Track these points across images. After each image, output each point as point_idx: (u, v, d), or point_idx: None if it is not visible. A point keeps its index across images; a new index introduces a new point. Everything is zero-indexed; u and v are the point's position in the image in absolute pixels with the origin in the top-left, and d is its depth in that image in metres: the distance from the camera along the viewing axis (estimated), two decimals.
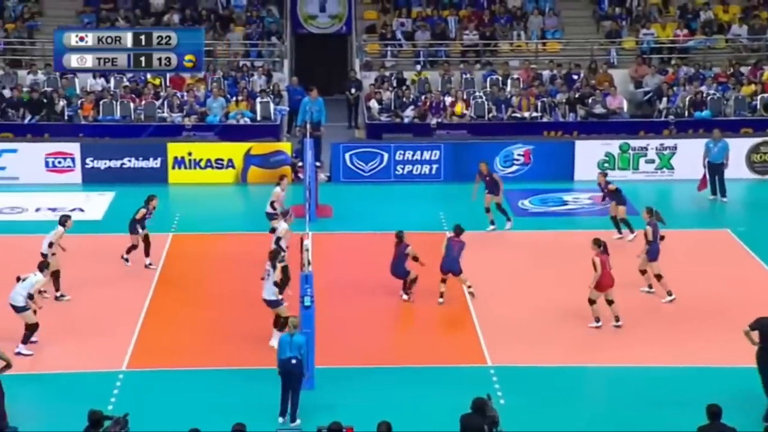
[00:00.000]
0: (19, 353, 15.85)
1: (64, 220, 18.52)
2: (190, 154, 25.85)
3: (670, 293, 18.23)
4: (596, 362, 16.29)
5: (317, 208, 22.76)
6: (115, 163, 25.63)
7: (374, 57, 30.91)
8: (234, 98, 27.77)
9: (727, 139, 24.82)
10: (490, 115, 28.02)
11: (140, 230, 19.67)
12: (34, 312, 16.20)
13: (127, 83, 28.09)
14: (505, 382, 15.42)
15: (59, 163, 25.54)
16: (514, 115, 27.91)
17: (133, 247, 19.79)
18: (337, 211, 23.54)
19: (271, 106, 27.71)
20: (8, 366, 13.73)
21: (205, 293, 18.87)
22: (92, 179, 25.32)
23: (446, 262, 18.18)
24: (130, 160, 25.64)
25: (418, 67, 30.25)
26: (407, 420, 13.40)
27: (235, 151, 25.99)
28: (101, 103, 27.30)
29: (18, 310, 16.09)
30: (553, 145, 26.76)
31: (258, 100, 27.75)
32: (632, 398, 15.02)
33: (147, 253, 19.83)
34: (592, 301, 17.02)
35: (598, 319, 17.08)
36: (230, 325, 17.35)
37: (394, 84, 29.16)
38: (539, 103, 28.03)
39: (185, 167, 25.78)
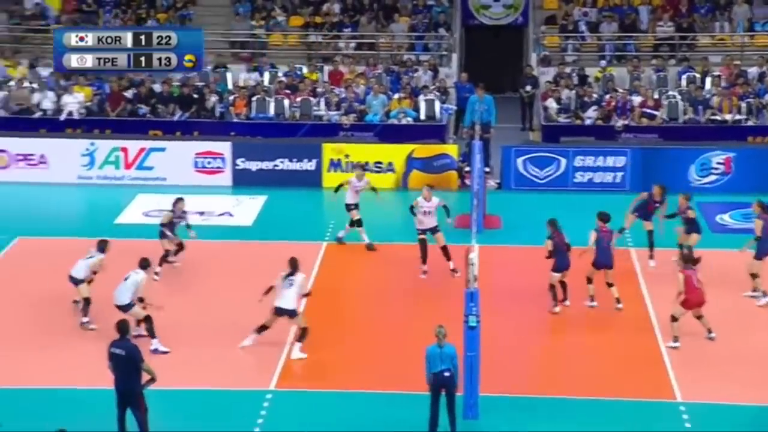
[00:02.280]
0: (155, 351, 16.80)
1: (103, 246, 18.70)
2: (347, 156, 26.29)
3: (765, 293, 18.82)
4: None
5: (485, 218, 22.77)
6: (267, 165, 26.32)
7: (553, 51, 30.72)
8: (396, 95, 28.09)
9: None
10: (686, 117, 27.41)
11: (171, 235, 20.43)
12: (144, 308, 17.29)
13: (283, 78, 28.81)
14: (697, 421, 15.06)
15: (209, 163, 26.44)
16: (713, 117, 27.22)
17: (167, 253, 20.49)
18: (507, 222, 23.47)
19: (437, 104, 27.87)
20: (153, 380, 14.25)
21: (359, 308, 19.15)
22: (243, 181, 26.08)
23: (600, 256, 18.59)
24: (282, 162, 26.28)
25: (603, 62, 29.87)
26: None
27: (395, 153, 26.29)
28: (254, 99, 28.10)
29: (124, 309, 17.03)
30: (759, 153, 26.03)
31: (422, 97, 27.97)
32: None
33: (175, 253, 20.64)
34: (674, 318, 17.25)
35: (676, 339, 17.19)
36: (385, 345, 17.54)
37: (575, 81, 28.88)
38: (743, 105, 27.23)
39: (341, 170, 26.21)
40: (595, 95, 28.06)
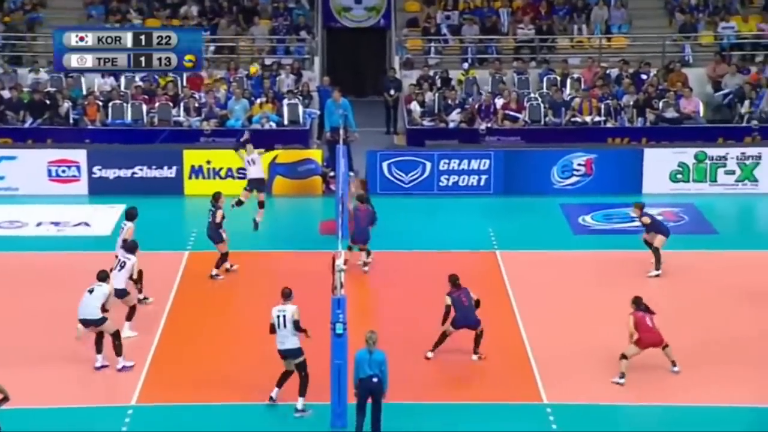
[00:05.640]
0: (123, 368, 16.68)
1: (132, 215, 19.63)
2: (208, 162, 26.06)
3: None
4: (657, 401, 16.17)
5: (350, 224, 22.77)
6: (125, 173, 25.87)
7: (416, 54, 31.01)
8: (258, 100, 27.96)
9: None
10: (547, 119, 27.98)
11: (223, 235, 20.51)
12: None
13: (140, 83, 28.39)
14: (562, 422, 15.41)
15: (63, 172, 25.86)
16: (574, 119, 27.85)
17: (225, 256, 20.57)
18: (374, 228, 23.53)
19: (300, 108, 27.87)
20: (5, 399, 13.87)
21: (222, 319, 18.96)
22: (100, 190, 25.58)
23: (357, 232, 20.02)
24: (141, 169, 25.86)
25: (466, 65, 30.30)
26: None
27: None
28: (110, 105, 27.62)
29: (97, 323, 16.75)
30: (619, 154, 26.65)
31: (285, 101, 27.93)
32: None
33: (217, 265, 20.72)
34: (624, 356, 16.58)
35: (622, 375, 16.52)
36: (250, 355, 17.43)
37: (438, 84, 29.22)
38: (603, 106, 27.94)
39: (203, 177, 25.98)
40: (458, 98, 28.41)
